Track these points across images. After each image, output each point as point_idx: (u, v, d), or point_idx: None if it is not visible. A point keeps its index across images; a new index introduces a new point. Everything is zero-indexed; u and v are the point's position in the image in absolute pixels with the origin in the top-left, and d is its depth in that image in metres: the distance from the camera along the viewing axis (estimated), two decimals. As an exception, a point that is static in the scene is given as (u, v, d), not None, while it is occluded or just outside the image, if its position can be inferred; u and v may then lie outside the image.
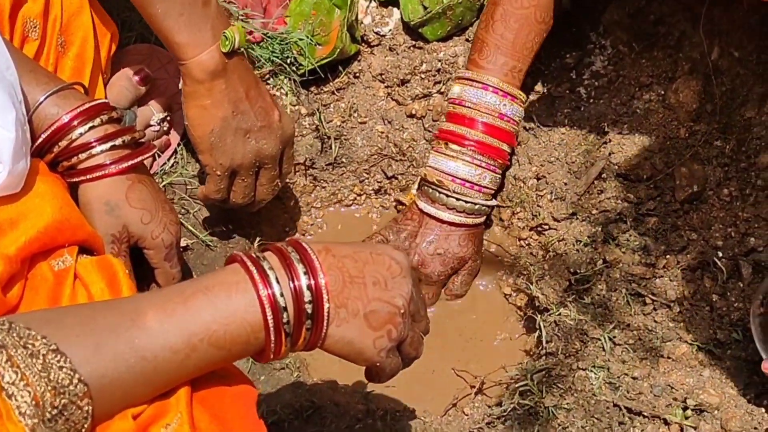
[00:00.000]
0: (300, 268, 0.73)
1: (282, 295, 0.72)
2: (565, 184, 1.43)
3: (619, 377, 1.23)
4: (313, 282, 0.73)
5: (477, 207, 1.34)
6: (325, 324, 0.74)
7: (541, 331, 1.32)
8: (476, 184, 1.34)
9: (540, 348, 1.32)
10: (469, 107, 1.33)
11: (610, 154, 1.40)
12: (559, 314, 1.31)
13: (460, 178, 1.33)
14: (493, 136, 1.33)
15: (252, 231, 1.42)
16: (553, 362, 1.27)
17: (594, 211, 1.39)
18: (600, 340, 1.27)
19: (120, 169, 0.99)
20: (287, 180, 1.39)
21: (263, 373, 1.24)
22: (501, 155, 1.34)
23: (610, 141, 1.41)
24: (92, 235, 0.96)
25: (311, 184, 1.50)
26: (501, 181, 1.39)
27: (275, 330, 0.72)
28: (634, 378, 1.23)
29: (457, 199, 1.33)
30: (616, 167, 1.40)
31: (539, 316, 1.33)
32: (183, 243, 1.28)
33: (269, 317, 0.71)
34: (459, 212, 1.35)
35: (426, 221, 1.37)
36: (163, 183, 1.34)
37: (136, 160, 1.00)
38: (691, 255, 1.33)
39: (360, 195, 1.50)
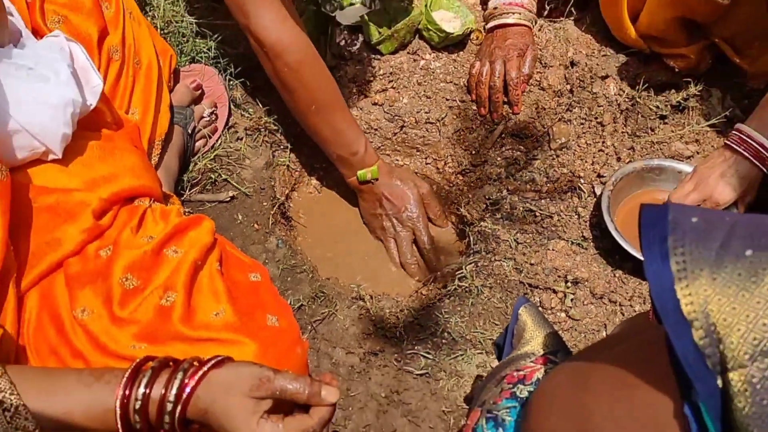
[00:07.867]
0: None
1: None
2: (477, 139, 1.61)
3: (522, 264, 1.39)
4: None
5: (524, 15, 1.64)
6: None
7: (469, 237, 1.50)
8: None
9: (469, 249, 1.48)
10: None
11: (507, 121, 1.62)
12: (481, 226, 1.47)
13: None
14: None
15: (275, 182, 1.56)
16: (478, 257, 1.42)
17: (499, 159, 1.60)
18: (508, 241, 1.43)
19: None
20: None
21: (290, 275, 1.38)
22: None
23: (507, 113, 1.63)
24: (157, 193, 1.13)
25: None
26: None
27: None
28: (531, 264, 1.39)
29: (514, 13, 1.66)
30: (511, 129, 1.61)
31: (468, 227, 1.53)
32: (230, 194, 1.45)
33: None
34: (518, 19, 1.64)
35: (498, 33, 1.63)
36: (213, 154, 1.53)
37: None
38: (563, 183, 1.50)
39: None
